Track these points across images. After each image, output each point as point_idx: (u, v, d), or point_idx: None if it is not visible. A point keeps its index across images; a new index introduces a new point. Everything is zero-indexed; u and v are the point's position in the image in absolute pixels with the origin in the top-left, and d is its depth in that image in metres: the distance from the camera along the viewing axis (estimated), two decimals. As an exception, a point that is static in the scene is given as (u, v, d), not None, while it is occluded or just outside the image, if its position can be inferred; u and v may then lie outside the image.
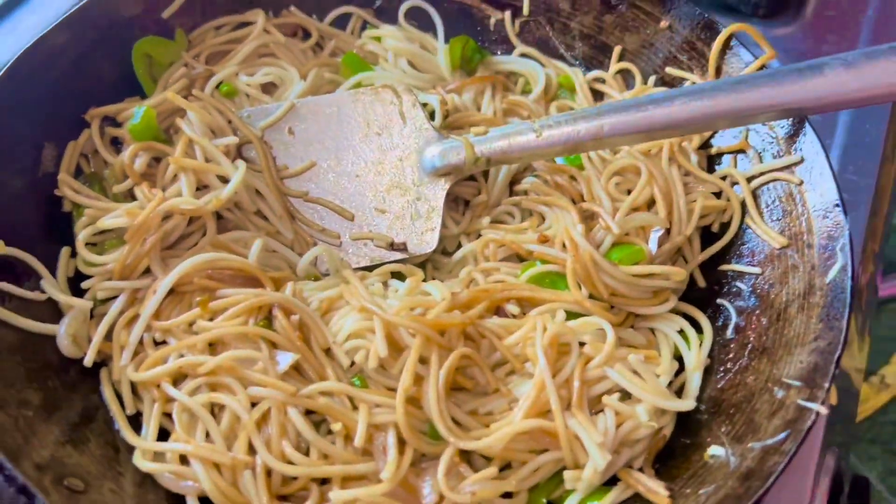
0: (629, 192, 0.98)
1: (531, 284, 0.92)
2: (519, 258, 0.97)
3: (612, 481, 0.81)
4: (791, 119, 0.95)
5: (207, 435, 0.78)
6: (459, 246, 1.02)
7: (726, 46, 1.02)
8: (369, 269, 0.98)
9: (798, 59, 0.90)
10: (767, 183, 0.95)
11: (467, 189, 1.04)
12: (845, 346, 0.77)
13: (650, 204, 0.97)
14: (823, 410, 0.73)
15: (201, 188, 0.95)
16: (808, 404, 0.74)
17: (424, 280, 0.96)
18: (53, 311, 0.86)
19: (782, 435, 0.74)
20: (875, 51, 0.88)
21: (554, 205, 0.98)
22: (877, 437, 1.48)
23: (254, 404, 0.79)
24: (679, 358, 0.90)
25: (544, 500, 0.79)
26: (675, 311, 0.93)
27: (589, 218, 0.97)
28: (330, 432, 0.79)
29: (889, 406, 1.51)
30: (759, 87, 0.89)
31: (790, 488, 0.97)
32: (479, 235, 1.00)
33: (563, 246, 0.93)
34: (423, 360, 0.83)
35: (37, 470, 0.67)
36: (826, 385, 0.75)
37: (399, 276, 0.97)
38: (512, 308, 0.90)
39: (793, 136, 0.94)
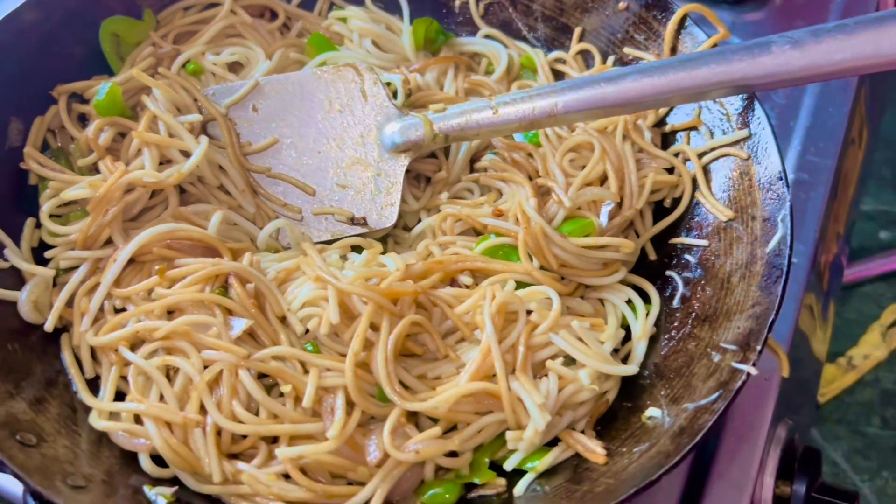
0: (583, 167, 1.00)
1: (485, 257, 0.94)
2: (475, 232, 1.00)
3: (553, 443, 0.83)
4: (742, 96, 0.97)
5: (162, 397, 0.81)
6: (419, 221, 1.04)
7: (681, 26, 1.05)
8: (329, 242, 1.00)
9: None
10: (718, 158, 0.98)
11: (428, 166, 1.07)
12: (779, 311, 0.79)
13: (603, 179, 1.00)
14: (753, 371, 0.76)
15: (164, 163, 0.97)
16: (741, 366, 0.77)
17: (383, 253, 0.99)
18: (17, 280, 0.88)
19: (714, 395, 0.76)
20: (821, 29, 0.90)
21: (510, 181, 1.00)
22: (843, 417, 1.51)
23: (207, 367, 0.81)
24: (626, 327, 0.92)
25: (487, 460, 0.82)
26: (625, 282, 0.96)
27: (545, 194, 0.99)
28: (281, 395, 0.82)
29: (855, 387, 1.53)
30: (709, 64, 0.92)
31: (740, 458, 1.00)
32: (440, 211, 1.02)
33: (517, 220, 0.95)
34: (375, 328, 0.85)
35: (-11, 422, 0.70)
36: (758, 348, 0.77)
37: (359, 250, 1.00)
38: (465, 279, 0.93)
39: (742, 113, 0.97)
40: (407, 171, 1.03)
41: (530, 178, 1.00)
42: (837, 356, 1.56)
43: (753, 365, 0.76)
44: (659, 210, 1.02)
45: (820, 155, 1.29)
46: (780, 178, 0.89)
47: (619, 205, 0.98)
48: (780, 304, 0.79)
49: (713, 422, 0.73)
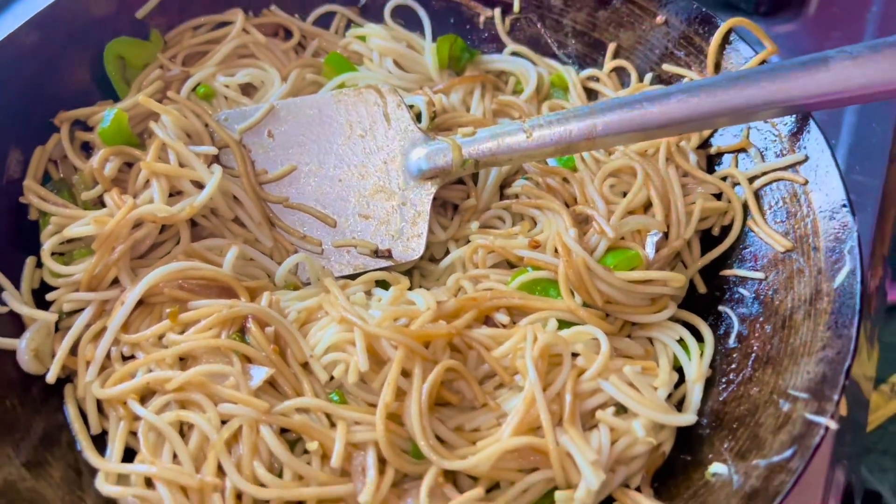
0: (624, 194, 0.93)
1: (522, 292, 0.87)
2: (509, 265, 0.93)
3: (607, 502, 0.75)
4: (794, 116, 0.90)
5: (175, 456, 0.73)
6: (447, 252, 0.97)
7: (725, 42, 0.98)
8: (352, 277, 0.93)
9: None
10: (770, 183, 0.91)
11: (455, 193, 1.00)
12: (855, 356, 0.72)
13: (647, 206, 0.93)
14: (833, 425, 0.68)
15: (175, 194, 0.91)
16: (817, 418, 0.69)
17: (410, 288, 0.92)
18: (16, 326, 0.81)
19: (789, 452, 0.68)
20: (881, 43, 0.84)
21: (546, 208, 0.93)
22: (889, 447, 1.43)
23: (225, 422, 0.74)
24: (679, 369, 0.85)
25: (534, 523, 0.74)
26: (674, 319, 0.88)
27: (583, 222, 0.92)
28: (306, 452, 0.75)
29: (900, 415, 1.45)
30: (760, 82, 0.85)
31: (800, 505, 0.92)
32: (468, 241, 0.95)
33: (556, 251, 0.88)
34: (406, 374, 0.78)
35: (-16, 496, 0.62)
36: (835, 397, 0.70)
37: (384, 284, 0.93)
38: (501, 317, 0.85)
39: (796, 134, 0.90)
40: (433, 199, 0.96)
41: (567, 206, 0.93)
42: (880, 382, 1.48)
43: (832, 417, 0.68)
44: (707, 239, 0.94)
45: (866, 174, 1.22)
46: (845, 206, 0.82)
47: (666, 234, 0.90)
48: (856, 346, 0.72)
49: (792, 484, 0.65)
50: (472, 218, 0.98)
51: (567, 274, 0.86)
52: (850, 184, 1.20)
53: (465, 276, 0.91)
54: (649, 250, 0.89)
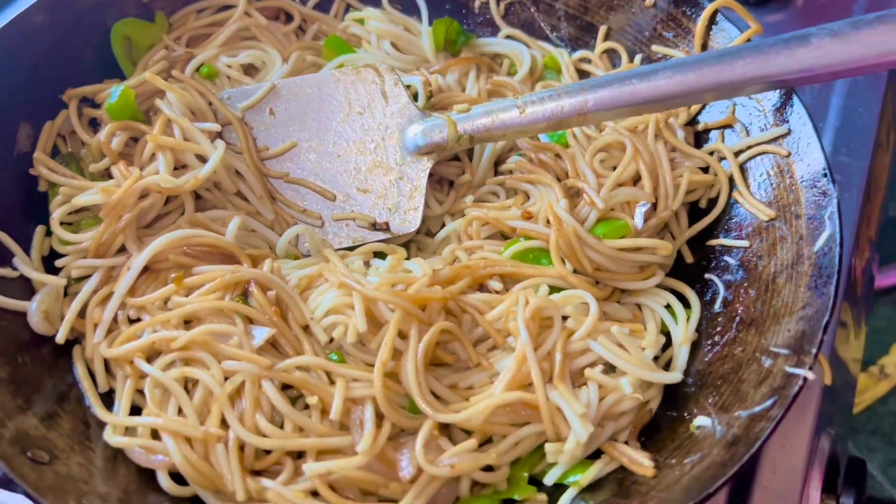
0: (614, 168, 0.96)
1: (514, 261, 0.90)
2: (503, 236, 0.96)
3: (595, 455, 0.78)
4: (778, 92, 0.93)
5: (180, 410, 0.76)
6: (443, 226, 1.00)
7: (711, 22, 1.01)
8: (351, 249, 0.96)
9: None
10: (755, 156, 0.94)
11: (451, 169, 1.03)
12: (833, 312, 0.75)
13: (636, 180, 0.96)
14: (811, 375, 0.71)
15: (179, 168, 0.94)
16: (796, 370, 0.72)
17: (407, 259, 0.95)
18: (26, 290, 0.84)
19: (769, 402, 0.71)
20: (861, 20, 0.87)
21: (538, 182, 0.97)
22: (877, 427, 1.46)
23: (228, 379, 0.77)
24: (666, 334, 0.88)
25: (526, 475, 0.77)
26: (662, 286, 0.91)
27: (574, 195, 0.95)
28: (306, 407, 0.77)
29: (889, 396, 1.48)
30: (745, 58, 0.88)
31: (783, 469, 0.95)
32: (464, 215, 0.98)
33: (547, 222, 0.91)
34: (403, 335, 0.81)
35: (-2, 439, 0.65)
36: (814, 351, 0.73)
37: (382, 256, 0.96)
38: (495, 284, 0.88)
39: (780, 109, 0.93)
40: (430, 175, 0.99)
41: (559, 180, 0.96)
42: (870, 365, 1.51)
43: (810, 369, 0.71)
44: (694, 211, 0.97)
45: (852, 156, 1.25)
46: (825, 174, 0.85)
47: (654, 206, 0.94)
48: (834, 305, 0.75)
49: (771, 430, 0.68)
50: (468, 193, 1.01)
51: (558, 242, 0.89)
52: (837, 165, 1.24)
53: (460, 248, 0.94)
54: (638, 220, 0.92)
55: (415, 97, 1.04)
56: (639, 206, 0.93)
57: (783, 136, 0.91)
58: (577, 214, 0.91)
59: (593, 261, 0.89)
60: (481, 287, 0.89)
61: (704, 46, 1.02)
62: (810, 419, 1.00)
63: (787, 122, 0.91)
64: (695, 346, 0.86)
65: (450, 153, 0.99)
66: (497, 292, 0.88)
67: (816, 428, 1.00)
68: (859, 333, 1.41)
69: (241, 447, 0.74)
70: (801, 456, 0.96)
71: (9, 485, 0.63)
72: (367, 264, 0.93)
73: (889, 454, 1.39)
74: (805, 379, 0.71)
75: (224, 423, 0.75)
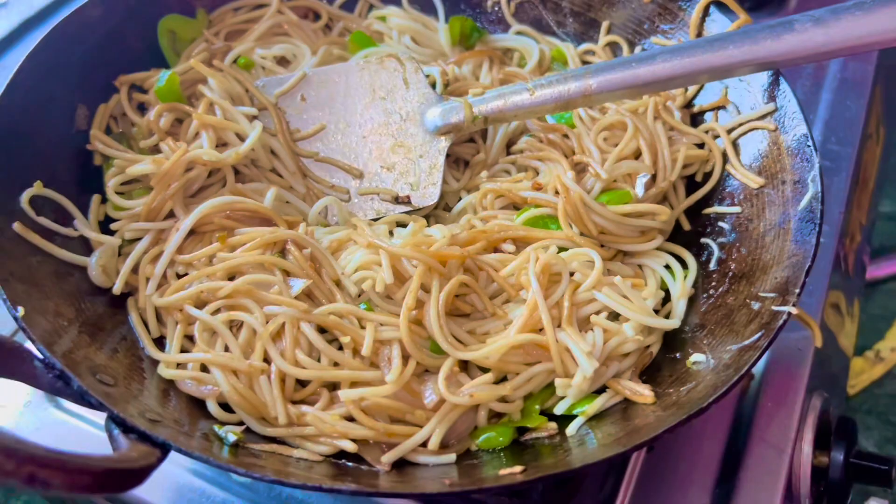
0: (617, 145, 1.05)
1: (526, 226, 0.99)
2: (515, 207, 1.04)
3: (601, 392, 0.86)
4: (767, 74, 1.02)
5: (227, 349, 0.85)
6: (460, 200, 1.09)
7: (705, 14, 1.10)
8: (376, 220, 1.05)
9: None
10: (746, 133, 1.02)
11: (467, 149, 1.12)
12: (815, 258, 0.83)
13: (637, 155, 1.04)
14: (794, 310, 0.79)
15: (220, 146, 1.03)
16: (781, 308, 0.80)
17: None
18: (85, 250, 0.93)
19: (757, 335, 0.79)
20: (840, 7, 0.96)
21: (547, 159, 1.05)
22: (873, 408, 1.52)
23: (269, 321, 0.85)
24: (665, 291, 0.96)
25: (537, 407, 0.85)
26: (661, 249, 1.00)
27: (581, 171, 1.04)
28: (340, 348, 0.85)
29: (884, 379, 1.55)
30: (735, 43, 0.97)
31: (778, 422, 1.02)
32: (479, 190, 1.07)
33: (556, 192, 1.00)
34: (425, 289, 0.89)
35: (71, 361, 0.74)
36: (797, 290, 0.81)
37: (403, 226, 1.04)
38: (508, 247, 0.97)
39: (768, 89, 1.02)
40: (447, 156, 1.08)
41: (566, 156, 1.05)
42: (865, 350, 1.58)
43: (794, 305, 0.79)
44: (691, 185, 1.06)
45: (841, 144, 1.34)
46: (809, 145, 0.94)
47: (654, 178, 1.02)
48: (816, 250, 0.83)
49: (758, 356, 0.76)
50: (482, 171, 1.10)
51: (566, 209, 0.97)
52: (826, 152, 1.33)
53: (475, 217, 1.03)
54: (639, 190, 1.01)
55: (433, 86, 1.14)
56: (639, 178, 1.01)
57: (771, 112, 1.00)
58: (583, 185, 1.00)
59: (598, 225, 0.97)
60: (495, 251, 0.98)
61: (699, 36, 1.11)
62: (803, 379, 1.07)
63: (774, 100, 1.00)
64: (692, 301, 0.94)
65: (465, 133, 1.08)
66: (510, 253, 0.96)
67: (809, 387, 1.07)
68: (853, 320, 1.48)
69: (283, 379, 0.82)
70: (794, 412, 1.03)
71: (81, 399, 0.71)
72: (390, 233, 1.02)
73: (884, 432, 1.46)
74: (789, 313, 0.79)
75: (266, 361, 0.83)
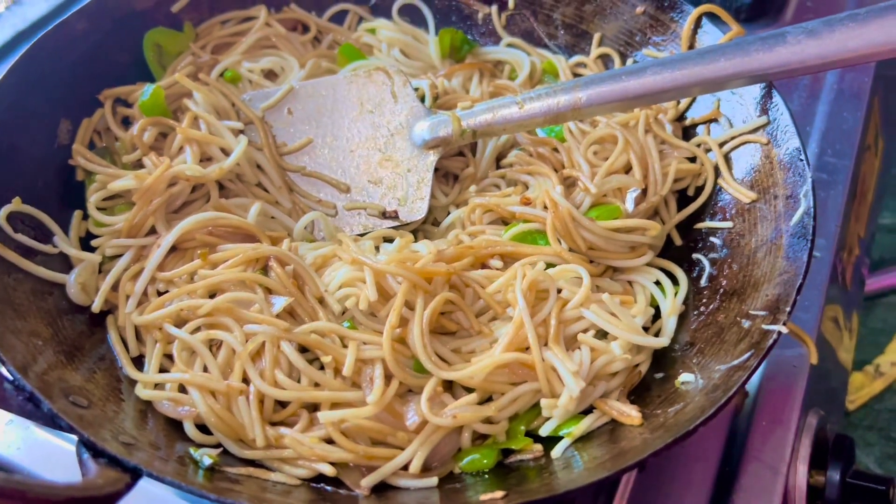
0: (607, 159, 1.03)
1: (514, 241, 0.97)
2: (503, 222, 1.03)
3: (587, 413, 0.84)
4: (759, 86, 1.00)
5: (206, 369, 0.83)
6: (449, 215, 1.07)
7: (697, 26, 1.09)
8: (362, 235, 1.04)
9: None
10: (739, 146, 1.01)
11: (456, 163, 1.10)
12: (806, 275, 0.81)
13: (627, 169, 1.03)
14: (784, 329, 0.77)
15: (205, 160, 1.02)
16: (771, 326, 0.78)
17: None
18: (65, 266, 0.92)
19: (746, 355, 0.77)
20: (833, 19, 0.94)
21: (536, 173, 1.04)
22: (873, 423, 1.50)
23: (249, 339, 0.83)
24: (655, 307, 0.94)
25: (523, 428, 0.83)
26: (652, 265, 0.98)
27: (570, 185, 1.02)
28: (321, 368, 0.84)
29: (884, 393, 1.53)
30: (727, 55, 0.95)
31: (772, 441, 1.00)
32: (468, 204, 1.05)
33: (545, 207, 0.98)
34: (410, 306, 0.87)
35: (43, 383, 0.72)
36: (787, 309, 0.79)
37: (390, 241, 1.03)
38: (495, 263, 0.95)
39: (760, 102, 1.00)
40: (436, 170, 1.07)
41: (556, 171, 1.04)
42: (865, 364, 1.56)
43: (784, 324, 0.77)
44: (683, 199, 1.04)
45: (837, 156, 1.32)
46: (801, 159, 0.92)
47: (644, 192, 1.00)
48: (808, 267, 0.81)
49: (747, 377, 0.74)
50: (471, 185, 1.08)
51: (554, 224, 0.95)
52: (823, 164, 1.31)
53: (463, 232, 1.01)
54: (629, 205, 0.99)
55: (422, 99, 1.12)
56: (630, 193, 1.00)
57: (763, 126, 0.98)
58: (572, 200, 0.98)
59: (587, 240, 0.95)
60: (483, 266, 0.96)
61: (691, 48, 1.09)
62: (799, 397, 1.05)
63: (767, 113, 0.98)
64: (682, 318, 0.92)
65: (454, 147, 1.07)
66: (498, 269, 0.94)
67: (804, 405, 1.05)
68: (851, 335, 1.46)
69: (261, 400, 0.80)
70: (790, 430, 1.01)
71: (52, 422, 0.69)
72: (377, 248, 1.00)
73: (885, 448, 1.43)
74: (779, 333, 0.77)
75: (245, 381, 0.81)
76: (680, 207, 1.03)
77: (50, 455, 0.95)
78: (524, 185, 1.05)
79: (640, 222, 0.96)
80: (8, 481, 0.51)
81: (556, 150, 1.06)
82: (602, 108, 0.99)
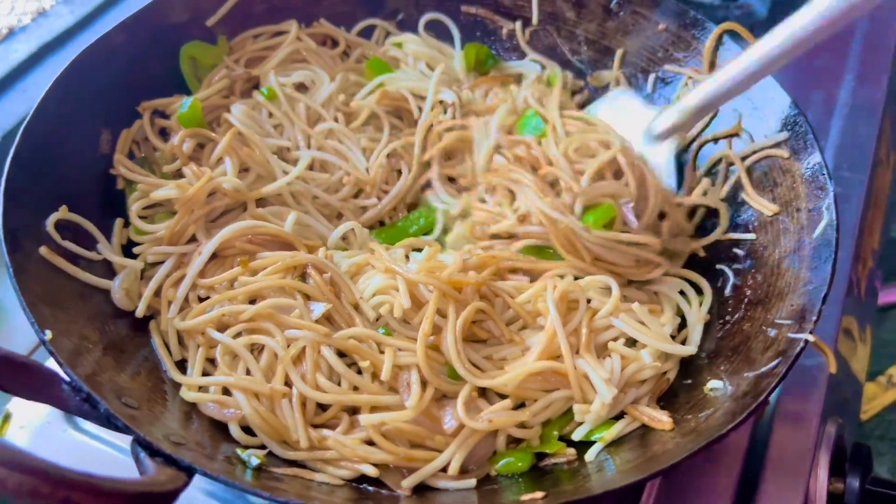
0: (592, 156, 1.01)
1: (530, 256, 0.98)
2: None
3: (619, 418, 0.87)
4: (780, 101, 1.03)
5: (248, 372, 0.86)
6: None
7: (719, 43, 1.12)
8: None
9: (789, 72, 0.98)
10: (760, 160, 1.03)
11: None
12: (831, 285, 0.84)
13: (616, 172, 1.01)
14: (811, 338, 0.80)
15: (243, 171, 1.04)
16: (798, 335, 0.81)
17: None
18: (108, 273, 0.94)
19: (774, 362, 0.80)
20: None
21: (516, 182, 1.01)
22: (885, 433, 1.52)
23: (291, 344, 0.86)
24: (681, 317, 0.96)
25: (556, 433, 0.85)
26: (676, 276, 1.00)
27: (553, 185, 1.00)
28: (359, 372, 0.86)
29: (896, 404, 1.55)
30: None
31: (793, 448, 1.03)
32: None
33: (541, 221, 0.97)
34: (442, 315, 0.89)
35: (96, 384, 0.74)
36: (813, 318, 0.81)
37: (418, 251, 1.05)
38: (519, 278, 0.97)
39: (781, 117, 1.03)
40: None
41: (534, 170, 1.02)
42: (877, 375, 1.58)
43: (811, 332, 0.80)
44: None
45: (852, 170, 1.35)
46: (823, 173, 0.95)
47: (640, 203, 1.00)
48: (832, 278, 0.84)
49: (776, 383, 0.76)
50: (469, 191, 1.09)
51: (559, 241, 0.96)
52: (838, 179, 1.34)
53: (476, 246, 1.02)
54: (630, 217, 0.99)
55: (444, 111, 1.15)
56: (623, 205, 1.00)
57: (785, 140, 1.01)
58: (564, 205, 0.97)
59: (591, 251, 0.97)
60: (503, 278, 0.98)
61: (713, 64, 1.12)
62: (818, 406, 1.08)
63: (788, 127, 1.01)
64: (707, 327, 0.95)
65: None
66: (524, 281, 0.97)
67: (823, 414, 1.08)
68: (865, 342, 1.49)
69: (304, 403, 0.83)
70: (809, 438, 1.04)
71: (107, 422, 0.72)
72: (406, 257, 1.03)
73: (897, 458, 1.46)
74: (806, 341, 0.80)
75: (287, 384, 0.84)
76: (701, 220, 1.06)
77: (85, 456, 0.98)
78: (511, 194, 1.04)
79: (638, 237, 0.96)
80: (82, 476, 0.53)
81: (528, 146, 1.04)
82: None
